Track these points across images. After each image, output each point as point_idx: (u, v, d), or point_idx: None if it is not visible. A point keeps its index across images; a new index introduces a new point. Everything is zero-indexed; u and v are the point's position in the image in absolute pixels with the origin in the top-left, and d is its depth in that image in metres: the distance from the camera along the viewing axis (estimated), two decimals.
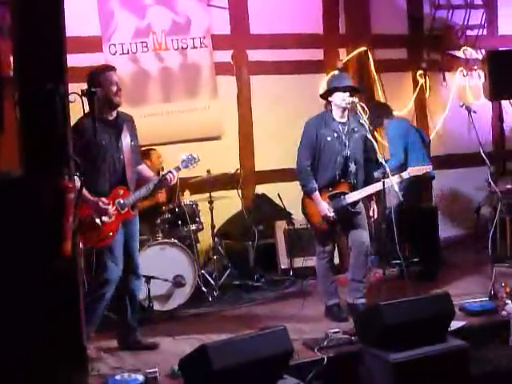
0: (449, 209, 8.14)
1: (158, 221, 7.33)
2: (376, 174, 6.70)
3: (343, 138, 6.35)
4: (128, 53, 8.17)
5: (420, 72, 9.78)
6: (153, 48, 8.32)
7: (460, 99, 9.28)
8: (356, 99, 6.32)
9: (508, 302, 6.26)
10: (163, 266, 6.91)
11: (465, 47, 10.03)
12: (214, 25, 8.65)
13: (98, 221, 5.53)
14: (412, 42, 9.87)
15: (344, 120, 6.40)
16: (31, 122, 3.95)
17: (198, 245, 7.69)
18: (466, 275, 7.71)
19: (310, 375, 5.23)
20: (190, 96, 8.53)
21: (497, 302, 6.43)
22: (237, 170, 8.29)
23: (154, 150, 7.74)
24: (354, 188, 6.38)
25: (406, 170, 6.70)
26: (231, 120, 8.79)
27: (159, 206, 7.44)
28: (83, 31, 7.72)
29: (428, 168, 6.86)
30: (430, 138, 9.29)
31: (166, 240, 7.12)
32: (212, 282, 7.54)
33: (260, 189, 8.86)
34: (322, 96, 6.56)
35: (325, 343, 5.62)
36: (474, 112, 7.25)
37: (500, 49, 9.84)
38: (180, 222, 7.38)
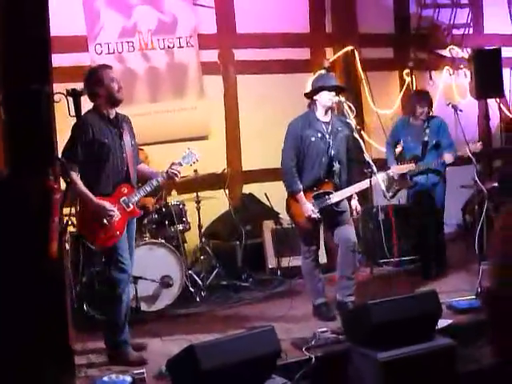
0: None
1: (145, 221, 7.31)
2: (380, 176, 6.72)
3: (327, 137, 6.35)
4: (114, 52, 8.14)
5: (406, 71, 9.80)
6: (139, 47, 8.30)
7: (446, 98, 9.31)
8: (343, 98, 6.33)
9: None
10: (150, 267, 6.88)
11: (451, 46, 10.07)
12: (201, 24, 8.64)
13: (105, 220, 5.51)
14: (398, 41, 9.89)
15: (328, 119, 6.40)
16: (16, 122, 3.93)
17: (185, 245, 7.67)
18: (453, 273, 7.72)
19: (298, 375, 5.22)
20: (177, 96, 8.51)
21: None
22: (224, 169, 8.28)
23: (141, 149, 7.70)
24: (338, 187, 6.38)
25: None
26: (218, 120, 8.78)
27: (146, 207, 7.42)
28: (69, 31, 7.70)
29: (411, 166, 6.93)
30: None
31: (154, 240, 7.09)
32: (200, 282, 7.52)
33: (247, 188, 8.86)
34: (307, 95, 6.55)
35: (313, 343, 5.61)
36: (461, 110, 7.27)
37: (486, 47, 9.87)
38: (167, 222, 7.36)
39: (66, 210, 4.71)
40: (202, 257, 7.76)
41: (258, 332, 4.84)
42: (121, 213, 5.60)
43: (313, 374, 5.30)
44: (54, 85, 4.31)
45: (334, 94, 6.31)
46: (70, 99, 5.01)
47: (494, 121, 10.09)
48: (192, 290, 7.34)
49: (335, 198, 6.35)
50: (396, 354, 4.96)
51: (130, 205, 5.67)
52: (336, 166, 6.37)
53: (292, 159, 6.39)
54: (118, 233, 5.58)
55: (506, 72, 9.99)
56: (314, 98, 6.40)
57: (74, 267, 6.68)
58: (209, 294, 7.48)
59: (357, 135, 6.28)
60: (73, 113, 5.08)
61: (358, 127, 6.45)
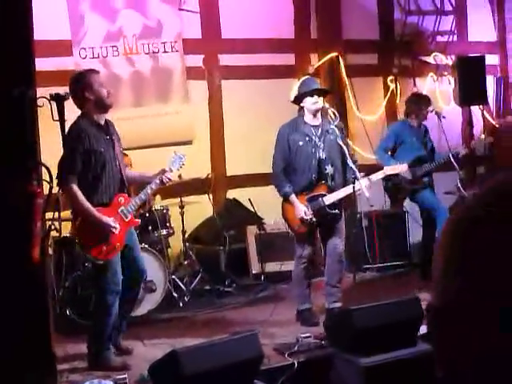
0: (419, 213, 8.18)
1: None
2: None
3: (316, 140, 6.39)
4: (98, 57, 8.13)
5: (391, 77, 9.84)
6: (123, 52, 8.28)
7: (431, 105, 9.35)
8: (326, 104, 6.37)
9: None
10: None
11: (435, 53, 10.11)
12: (186, 29, 8.64)
13: (106, 234, 5.44)
14: (383, 48, 9.92)
15: (317, 123, 6.44)
16: None
17: (168, 250, 7.65)
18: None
19: (280, 380, 5.22)
20: (162, 100, 8.50)
21: None
22: (208, 174, 8.28)
23: (125, 155, 7.69)
24: (331, 190, 6.41)
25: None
26: (202, 124, 8.78)
27: None
28: (53, 35, 7.67)
29: (404, 167, 6.91)
30: None
31: None
32: (183, 287, 7.51)
33: (231, 193, 8.86)
34: (294, 102, 6.60)
35: (295, 348, 5.62)
36: (444, 117, 7.33)
37: (470, 55, 9.93)
38: (151, 227, 7.34)
39: (49, 215, 4.68)
40: (185, 262, 7.76)
41: (240, 337, 4.85)
42: (120, 224, 5.55)
43: (295, 379, 5.30)
44: (38, 89, 4.29)
45: (316, 97, 6.36)
46: (54, 103, 5.00)
47: (478, 128, 10.14)
48: (175, 294, 7.33)
49: (329, 200, 6.37)
50: (378, 360, 4.98)
51: (129, 215, 5.62)
52: (329, 168, 6.41)
53: (280, 164, 6.45)
54: (118, 245, 5.53)
55: (489, 79, 10.06)
56: (301, 104, 6.45)
57: (57, 272, 6.65)
58: (192, 298, 7.47)
59: (340, 141, 6.32)
60: (56, 117, 5.06)
61: (344, 132, 6.53)
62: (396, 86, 9.83)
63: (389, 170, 6.72)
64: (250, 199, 8.34)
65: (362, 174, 6.45)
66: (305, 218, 6.33)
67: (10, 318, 4.00)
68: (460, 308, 0.93)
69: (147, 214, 7.36)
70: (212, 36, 8.83)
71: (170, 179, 5.80)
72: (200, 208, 8.08)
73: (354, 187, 6.25)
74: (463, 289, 0.92)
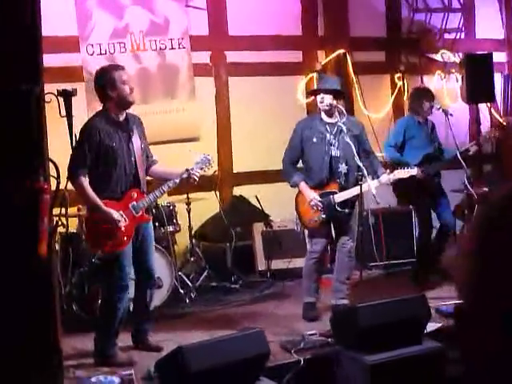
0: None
1: None
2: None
3: (331, 138, 6.40)
4: (106, 53, 8.12)
5: (398, 75, 9.82)
6: (130, 49, 8.28)
7: (437, 102, 9.32)
8: (334, 101, 6.36)
9: None
10: None
11: (443, 50, 10.09)
12: (193, 26, 8.63)
13: (112, 227, 5.46)
14: (390, 45, 9.91)
15: (333, 121, 6.44)
16: (6, 122, 3.92)
17: (175, 246, 7.66)
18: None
19: (286, 377, 5.23)
20: (168, 97, 8.50)
21: None
22: (215, 171, 8.27)
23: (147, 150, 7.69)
24: (343, 188, 6.41)
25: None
26: (209, 121, 8.78)
27: None
28: (60, 31, 7.68)
29: (414, 171, 6.69)
30: None
31: None
32: (189, 283, 7.51)
33: (238, 190, 8.86)
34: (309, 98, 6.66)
35: (301, 345, 5.62)
36: (451, 115, 7.30)
37: (477, 52, 9.90)
38: (157, 224, 7.34)
39: (56, 211, 4.69)
40: (191, 258, 7.76)
41: (246, 334, 4.85)
42: (129, 218, 5.55)
43: (301, 376, 5.30)
44: (45, 85, 4.29)
45: (323, 96, 6.35)
46: (61, 99, 5.01)
47: (485, 126, 10.11)
48: (182, 291, 7.33)
49: (339, 198, 6.38)
50: (384, 358, 4.98)
51: (139, 210, 5.62)
52: (342, 167, 6.41)
53: (290, 157, 6.54)
54: (125, 239, 5.54)
55: (497, 77, 10.03)
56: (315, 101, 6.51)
57: (64, 268, 6.67)
58: (198, 295, 7.47)
59: (347, 139, 6.31)
60: (63, 113, 5.07)
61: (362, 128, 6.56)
62: (403, 84, 9.81)
63: (398, 174, 6.52)
64: (256, 196, 8.34)
65: (387, 170, 6.43)
66: (315, 202, 6.34)
67: (17, 314, 4.01)
68: (479, 311, 0.93)
69: (154, 211, 7.36)
70: (219, 33, 8.83)
71: (196, 176, 5.76)
72: (206, 205, 8.08)
73: (361, 185, 6.23)
74: (482, 292, 0.93)
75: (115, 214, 5.45)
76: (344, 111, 6.53)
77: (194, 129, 8.61)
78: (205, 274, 7.79)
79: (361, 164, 6.24)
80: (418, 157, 7.37)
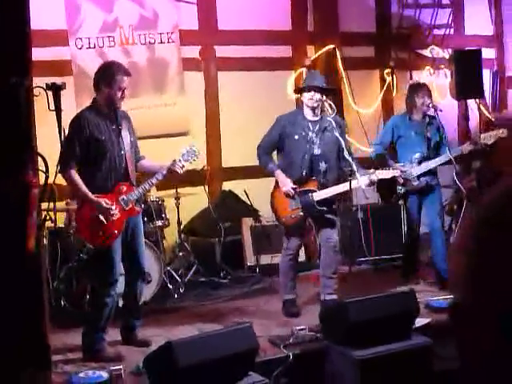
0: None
1: None
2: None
3: (312, 136, 6.37)
4: (95, 47, 8.08)
5: (387, 70, 9.82)
6: (120, 43, 8.24)
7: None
8: (323, 97, 6.34)
9: None
10: None
11: (432, 46, 10.10)
12: (182, 20, 8.61)
13: (101, 217, 5.46)
14: (380, 41, 9.91)
15: (315, 118, 6.41)
16: None
17: (164, 241, 7.65)
18: (432, 272, 7.74)
19: (275, 372, 5.23)
20: (157, 91, 8.48)
21: None
22: (204, 166, 8.26)
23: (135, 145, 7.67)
24: (322, 186, 6.39)
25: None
26: (198, 116, 8.76)
27: None
28: (49, 24, 7.64)
29: (396, 172, 6.68)
30: None
31: None
32: (178, 278, 7.50)
33: (227, 185, 8.85)
34: (295, 93, 6.62)
35: (290, 340, 5.62)
36: (440, 111, 7.29)
37: (466, 48, 9.92)
38: (146, 219, 7.32)
39: (44, 205, 4.67)
40: (180, 253, 7.75)
41: (235, 329, 4.86)
42: (119, 212, 5.56)
43: (290, 371, 5.31)
44: (34, 79, 4.27)
45: (313, 93, 6.32)
46: (50, 93, 4.99)
47: (474, 121, 10.14)
48: (170, 286, 7.33)
49: (318, 196, 6.36)
50: (373, 353, 4.99)
51: (129, 203, 5.62)
52: (322, 165, 6.38)
53: (266, 147, 6.52)
54: (116, 232, 5.55)
55: (485, 73, 10.05)
56: (301, 97, 6.46)
57: (52, 262, 6.64)
58: (187, 290, 7.47)
59: (337, 134, 6.29)
60: (52, 107, 5.05)
61: (343, 125, 6.53)
62: (392, 79, 9.82)
63: (380, 175, 6.41)
64: (245, 191, 8.33)
65: (370, 171, 6.37)
66: (290, 190, 6.32)
67: (5, 309, 3.99)
68: (474, 310, 0.93)
69: (142, 205, 7.34)
70: (209, 27, 8.81)
71: (181, 167, 5.78)
72: (196, 200, 8.07)
73: (350, 181, 6.22)
74: (478, 291, 0.92)
75: (106, 203, 5.46)
76: (334, 107, 6.52)
77: (183, 123, 8.60)
78: (194, 268, 7.79)
79: (350, 159, 6.23)
80: (407, 157, 7.25)
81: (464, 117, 9.98)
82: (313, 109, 6.39)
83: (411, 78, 9.94)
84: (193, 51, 8.72)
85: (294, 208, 6.37)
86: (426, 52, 10.12)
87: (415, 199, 7.33)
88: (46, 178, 4.46)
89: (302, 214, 6.37)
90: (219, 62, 8.85)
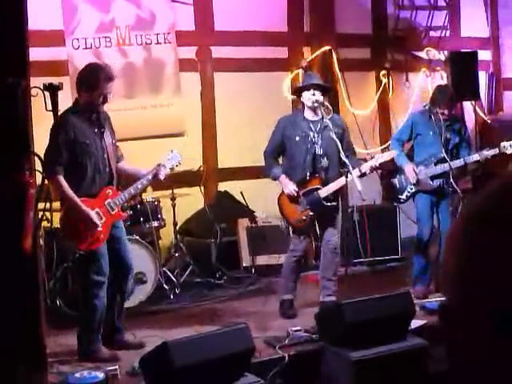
0: (410, 208, 8.18)
1: None
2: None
3: (313, 136, 6.39)
4: (91, 47, 8.08)
5: (383, 72, 9.83)
6: (116, 43, 8.24)
7: (422, 99, 9.35)
8: (321, 98, 6.36)
9: None
10: None
11: (428, 48, 10.12)
12: (179, 21, 8.61)
13: (89, 225, 5.42)
14: (376, 42, 9.93)
15: (316, 118, 6.44)
16: None
17: (159, 242, 7.65)
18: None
19: (271, 373, 5.23)
20: (154, 92, 8.48)
21: None
22: (200, 167, 8.26)
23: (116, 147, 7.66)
24: (325, 183, 6.41)
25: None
26: (194, 117, 8.76)
27: None
28: (46, 25, 7.64)
29: (394, 153, 6.66)
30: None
31: (128, 237, 7.04)
32: (174, 279, 7.50)
33: (223, 186, 8.85)
34: (294, 95, 6.64)
35: (286, 341, 5.63)
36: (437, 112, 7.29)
37: (462, 50, 9.94)
38: (142, 219, 7.32)
39: (40, 205, 4.67)
40: (176, 254, 7.75)
41: (231, 330, 4.85)
42: (105, 216, 5.53)
43: (286, 372, 5.31)
44: (31, 79, 4.27)
45: (313, 91, 6.34)
46: (47, 94, 4.98)
47: (469, 123, 10.16)
48: (166, 286, 7.32)
49: (323, 193, 6.39)
50: (369, 354, 5.00)
51: (115, 208, 5.60)
52: (324, 161, 6.41)
53: (269, 153, 6.54)
54: (102, 236, 5.52)
55: (481, 75, 10.08)
56: (301, 98, 6.48)
57: (48, 263, 6.64)
58: (182, 291, 7.47)
59: (333, 135, 6.31)
60: (49, 107, 5.05)
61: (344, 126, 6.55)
62: (388, 81, 9.83)
63: (381, 158, 6.40)
64: (241, 192, 8.34)
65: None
66: (293, 193, 6.33)
67: (1, 309, 3.99)
68: (466, 309, 0.93)
69: (138, 206, 7.34)
70: (205, 28, 8.81)
71: (165, 176, 5.78)
72: (191, 200, 8.08)
73: (346, 180, 6.25)
74: (471, 289, 0.92)
75: (94, 217, 5.42)
76: (330, 108, 6.54)
77: (179, 124, 8.60)
78: (189, 269, 7.79)
79: (346, 160, 6.25)
80: (422, 156, 7.07)
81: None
82: (313, 109, 6.41)
83: (407, 80, 9.98)
84: (189, 52, 8.72)
85: (303, 210, 6.39)
86: (422, 54, 10.14)
87: (427, 199, 7.08)
88: (43, 178, 4.46)
89: (311, 213, 6.39)
90: (215, 63, 8.85)
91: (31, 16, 4.42)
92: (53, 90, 4.83)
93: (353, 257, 8.32)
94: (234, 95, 8.87)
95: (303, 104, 6.48)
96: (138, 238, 7.07)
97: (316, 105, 6.36)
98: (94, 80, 5.42)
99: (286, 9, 9.28)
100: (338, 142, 6.30)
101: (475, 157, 7.04)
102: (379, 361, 5.01)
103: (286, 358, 5.35)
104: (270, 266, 7.89)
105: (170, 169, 5.99)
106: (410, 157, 7.17)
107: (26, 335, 4.11)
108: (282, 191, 6.49)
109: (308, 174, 6.41)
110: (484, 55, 10.42)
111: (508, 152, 6.93)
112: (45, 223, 6.07)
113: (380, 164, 6.45)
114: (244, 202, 8.37)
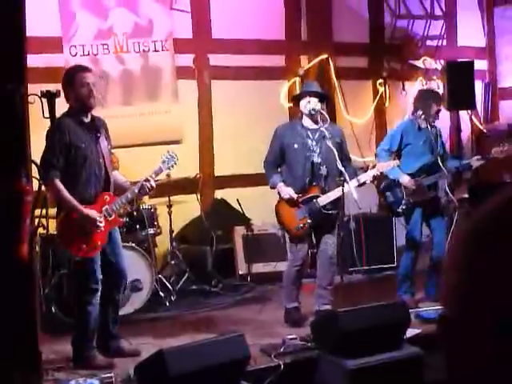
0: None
1: None
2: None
3: (312, 144, 6.40)
4: (89, 54, 8.09)
5: (380, 81, 9.87)
6: (114, 50, 8.25)
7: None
8: (319, 105, 6.37)
9: None
10: None
11: (424, 57, 10.16)
12: (176, 28, 8.63)
13: (89, 231, 5.40)
14: (373, 51, 9.96)
15: (315, 127, 6.44)
16: None
17: (155, 249, 7.64)
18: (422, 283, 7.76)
19: (266, 381, 5.23)
20: (151, 99, 8.49)
21: None
22: (196, 174, 8.27)
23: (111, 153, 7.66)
24: (324, 191, 6.41)
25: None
26: (191, 124, 8.77)
27: None
28: (44, 32, 7.64)
29: (396, 162, 6.63)
30: None
31: (124, 244, 7.03)
32: (169, 286, 7.50)
33: (219, 194, 8.86)
34: (293, 104, 6.66)
35: (281, 349, 5.62)
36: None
37: (459, 60, 9.97)
38: (138, 226, 7.32)
39: (36, 212, 4.67)
40: (172, 261, 7.74)
41: (227, 338, 4.85)
42: (104, 222, 5.52)
43: (281, 380, 5.31)
44: (28, 86, 4.28)
45: (309, 98, 6.36)
46: (44, 100, 4.99)
47: (465, 133, 10.19)
48: (162, 294, 7.32)
49: (323, 201, 6.38)
50: (364, 363, 5.00)
51: (112, 214, 5.58)
52: (323, 169, 6.40)
53: (271, 160, 6.53)
54: (99, 243, 5.50)
55: (477, 84, 10.11)
56: (299, 107, 6.50)
57: (44, 269, 6.63)
58: (178, 298, 7.46)
59: (330, 144, 6.32)
60: (47, 114, 5.05)
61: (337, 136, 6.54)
62: (385, 90, 9.87)
63: (380, 168, 6.38)
64: (237, 200, 8.35)
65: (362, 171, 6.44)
66: (292, 196, 6.33)
67: None
68: (467, 319, 0.93)
69: (135, 213, 7.34)
70: (203, 36, 8.83)
71: (150, 186, 5.72)
72: (188, 208, 8.08)
73: (343, 190, 6.25)
74: (470, 300, 0.93)
75: (94, 214, 5.42)
76: (327, 117, 6.55)
77: (176, 131, 8.61)
78: (185, 276, 7.78)
79: (343, 169, 6.25)
80: (412, 166, 6.94)
81: (456, 128, 10.02)
82: (312, 117, 6.41)
83: (404, 89, 10.00)
84: (187, 59, 8.74)
85: (302, 218, 6.39)
86: (419, 63, 10.17)
87: (420, 212, 6.99)
88: (40, 185, 4.47)
89: (310, 221, 6.38)
90: (213, 71, 8.86)
91: (29, 23, 4.44)
92: (50, 97, 4.84)
93: (349, 265, 8.33)
94: (231, 103, 8.89)
95: (302, 112, 6.50)
96: (133, 245, 7.06)
97: (313, 112, 6.37)
98: (70, 77, 5.48)
99: (283, 17, 9.30)
100: (335, 151, 6.31)
101: (465, 165, 7.06)
102: (375, 369, 5.01)
103: (282, 366, 5.34)
104: (266, 273, 7.89)
105: (169, 169, 5.98)
106: None
107: (22, 342, 4.10)
108: (280, 199, 6.48)
109: (307, 181, 6.41)
110: (480, 64, 10.46)
111: (500, 157, 6.88)
112: (41, 230, 6.06)
113: (381, 173, 6.47)
114: (240, 210, 8.38)
